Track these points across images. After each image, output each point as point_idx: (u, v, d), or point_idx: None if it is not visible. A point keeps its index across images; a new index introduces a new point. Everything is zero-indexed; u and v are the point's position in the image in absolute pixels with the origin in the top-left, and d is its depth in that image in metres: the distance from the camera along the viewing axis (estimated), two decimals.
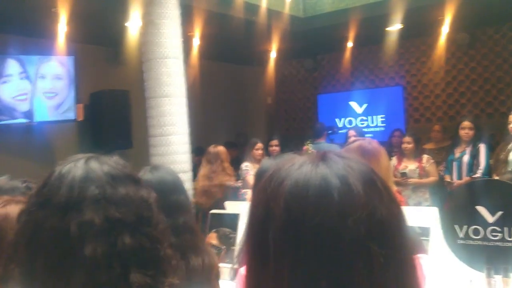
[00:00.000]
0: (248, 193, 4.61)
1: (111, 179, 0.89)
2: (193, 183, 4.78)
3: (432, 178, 5.49)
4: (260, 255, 0.68)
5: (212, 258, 1.77)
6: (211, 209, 3.75)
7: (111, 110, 6.56)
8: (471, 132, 5.41)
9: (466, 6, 5.76)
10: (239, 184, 4.92)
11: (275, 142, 6.20)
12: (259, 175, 1.96)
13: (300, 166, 0.69)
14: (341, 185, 0.65)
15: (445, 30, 6.79)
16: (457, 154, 5.52)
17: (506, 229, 1.89)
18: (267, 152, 5.99)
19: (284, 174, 0.69)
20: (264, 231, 0.67)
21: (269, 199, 0.68)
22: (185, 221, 1.64)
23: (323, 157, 0.71)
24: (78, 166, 0.91)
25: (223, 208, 3.35)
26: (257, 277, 0.69)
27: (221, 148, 4.81)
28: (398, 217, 0.69)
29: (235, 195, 4.59)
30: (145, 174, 1.65)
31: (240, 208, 2.72)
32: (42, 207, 0.88)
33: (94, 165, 0.91)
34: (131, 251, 0.85)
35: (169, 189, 1.67)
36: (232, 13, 5.49)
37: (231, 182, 4.75)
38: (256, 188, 0.74)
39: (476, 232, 1.94)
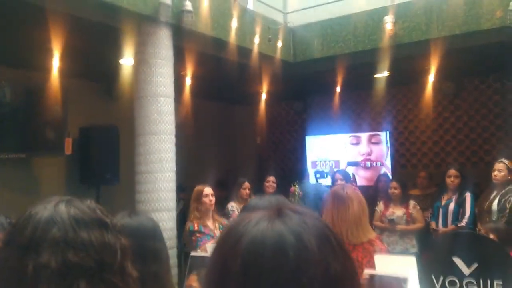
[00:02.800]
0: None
1: (75, 223, 0.89)
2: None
3: (418, 225, 5.51)
4: None
5: None
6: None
7: (100, 145, 6.56)
8: (456, 180, 5.48)
9: (452, 57, 5.92)
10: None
11: (272, 179, 6.22)
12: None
13: (256, 222, 0.70)
14: (296, 242, 0.66)
15: (431, 79, 6.92)
16: (443, 201, 5.56)
17: (481, 281, 1.90)
18: (256, 191, 5.97)
19: (241, 231, 0.70)
20: (222, 286, 0.68)
21: (227, 256, 0.69)
22: (156, 271, 1.59)
23: (279, 213, 0.72)
24: (47, 208, 0.91)
25: None
26: None
27: (196, 188, 4.60)
28: (351, 273, 0.70)
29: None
30: (124, 219, 1.62)
31: None
32: (7, 246, 0.88)
33: (62, 208, 0.91)
34: None
35: (147, 235, 1.63)
36: (224, 56, 5.59)
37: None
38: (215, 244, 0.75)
39: (452, 283, 1.95)
